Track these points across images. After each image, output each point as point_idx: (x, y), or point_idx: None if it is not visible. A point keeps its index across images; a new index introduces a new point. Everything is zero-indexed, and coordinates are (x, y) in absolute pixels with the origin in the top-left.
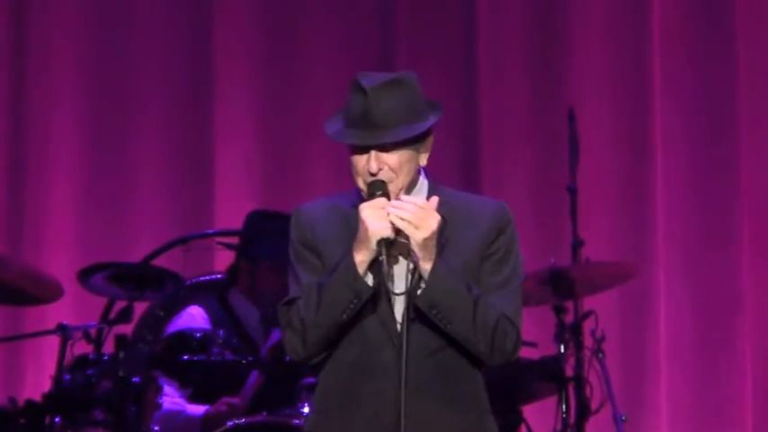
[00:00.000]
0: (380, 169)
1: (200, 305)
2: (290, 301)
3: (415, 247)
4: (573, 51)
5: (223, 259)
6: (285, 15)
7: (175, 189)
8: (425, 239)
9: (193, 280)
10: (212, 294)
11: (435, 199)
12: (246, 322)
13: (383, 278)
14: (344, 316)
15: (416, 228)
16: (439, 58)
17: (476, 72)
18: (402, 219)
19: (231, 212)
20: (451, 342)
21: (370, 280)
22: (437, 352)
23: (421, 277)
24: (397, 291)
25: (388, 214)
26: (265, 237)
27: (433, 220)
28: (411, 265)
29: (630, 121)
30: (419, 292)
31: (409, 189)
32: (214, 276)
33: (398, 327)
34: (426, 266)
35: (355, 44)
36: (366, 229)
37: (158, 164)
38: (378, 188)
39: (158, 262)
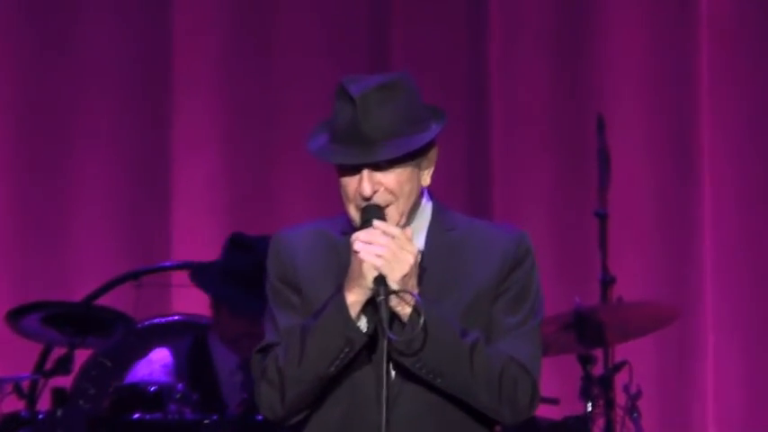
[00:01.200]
0: (375, 192)
1: (168, 347)
2: (265, 347)
3: (392, 286)
4: (603, 45)
5: (182, 297)
6: (256, 12)
7: (125, 214)
8: (405, 276)
9: (146, 323)
10: (181, 337)
11: (409, 230)
12: (222, 370)
13: (380, 323)
14: (333, 368)
15: (391, 264)
16: (440, 51)
17: (485, 70)
18: (377, 255)
19: (191, 241)
20: (455, 397)
21: (363, 325)
22: (438, 409)
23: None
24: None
25: (358, 253)
26: (225, 275)
27: (409, 254)
28: (382, 306)
29: (672, 131)
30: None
31: (411, 215)
32: (171, 318)
33: (394, 378)
34: (405, 310)
35: (340, 39)
36: (360, 264)
37: (104, 183)
38: (373, 214)
39: (104, 301)
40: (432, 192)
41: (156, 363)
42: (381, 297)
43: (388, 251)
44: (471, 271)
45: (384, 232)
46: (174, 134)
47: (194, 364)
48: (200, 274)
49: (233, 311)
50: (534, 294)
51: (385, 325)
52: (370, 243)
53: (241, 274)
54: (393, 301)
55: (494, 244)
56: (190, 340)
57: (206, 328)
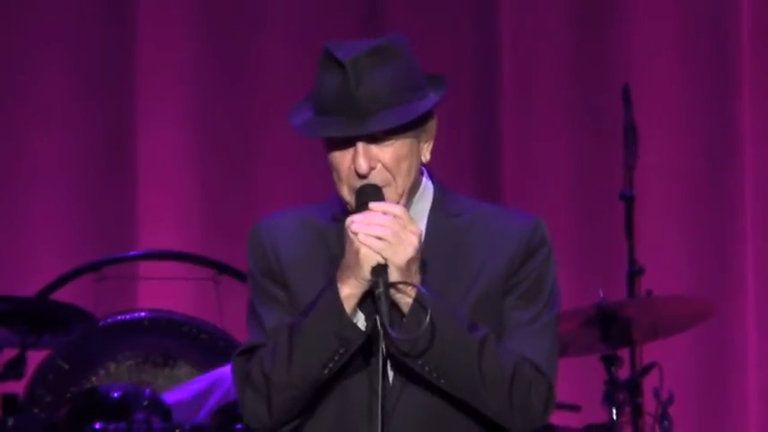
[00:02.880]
0: (372, 169)
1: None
2: (249, 349)
3: (393, 274)
4: (629, 7)
5: (149, 290)
6: None
7: (84, 198)
8: (409, 261)
9: (109, 320)
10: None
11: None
12: None
13: (381, 319)
14: (326, 372)
15: (394, 247)
16: (446, 17)
17: (496, 38)
18: (377, 237)
19: (158, 228)
20: (462, 404)
21: (361, 322)
22: (441, 420)
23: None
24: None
25: (356, 234)
26: None
27: (413, 234)
28: (382, 299)
29: (708, 102)
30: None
31: (410, 195)
32: (137, 314)
33: (391, 385)
34: (407, 299)
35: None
36: (357, 252)
37: (61, 164)
38: (370, 195)
39: (61, 295)
40: (433, 172)
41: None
42: (381, 289)
43: (390, 232)
44: (479, 263)
45: (385, 211)
46: (138, 111)
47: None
48: None
49: None
50: (550, 287)
51: (385, 321)
52: (368, 225)
53: None
54: (395, 293)
55: (505, 232)
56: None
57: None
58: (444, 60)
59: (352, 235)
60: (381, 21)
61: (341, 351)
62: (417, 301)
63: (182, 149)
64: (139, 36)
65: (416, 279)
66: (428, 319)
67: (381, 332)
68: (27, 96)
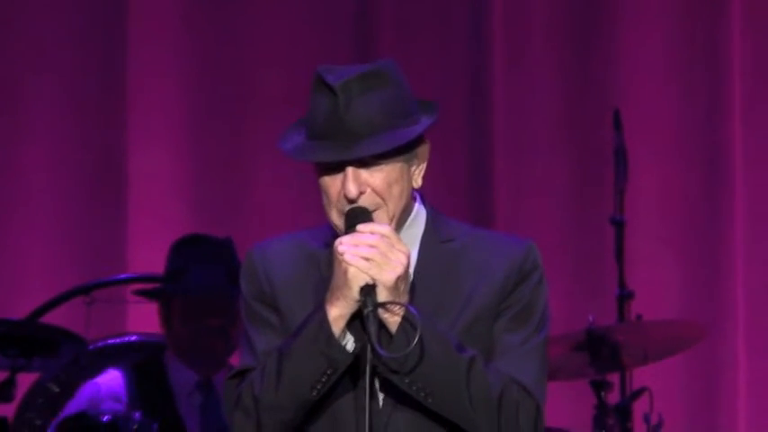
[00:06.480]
0: (361, 193)
1: (119, 368)
2: (240, 372)
3: (382, 294)
4: (619, 32)
5: (139, 315)
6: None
7: (74, 220)
8: (398, 280)
9: (99, 343)
10: (133, 358)
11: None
12: (180, 392)
13: (369, 339)
14: (314, 393)
15: (382, 266)
16: (437, 41)
17: (487, 63)
18: (364, 258)
19: (149, 251)
20: (450, 425)
21: (349, 343)
22: None
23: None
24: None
25: (343, 254)
26: (194, 265)
27: (401, 253)
28: (370, 319)
29: (699, 127)
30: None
31: (401, 221)
32: (127, 338)
33: (381, 406)
34: (396, 318)
35: (322, 22)
36: (345, 273)
37: (51, 186)
38: (359, 217)
39: (51, 318)
40: (425, 197)
41: (107, 386)
42: (369, 309)
43: (378, 252)
44: (471, 288)
45: (372, 231)
46: (128, 134)
47: (148, 386)
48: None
49: (188, 294)
50: (541, 311)
51: (374, 340)
52: (356, 246)
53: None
54: (383, 313)
55: (496, 257)
56: (142, 358)
57: (161, 347)
58: (436, 83)
59: (340, 256)
60: (373, 42)
61: (329, 372)
62: (406, 320)
63: (172, 173)
64: (130, 59)
65: (405, 299)
66: (417, 337)
67: (369, 352)
68: (17, 119)
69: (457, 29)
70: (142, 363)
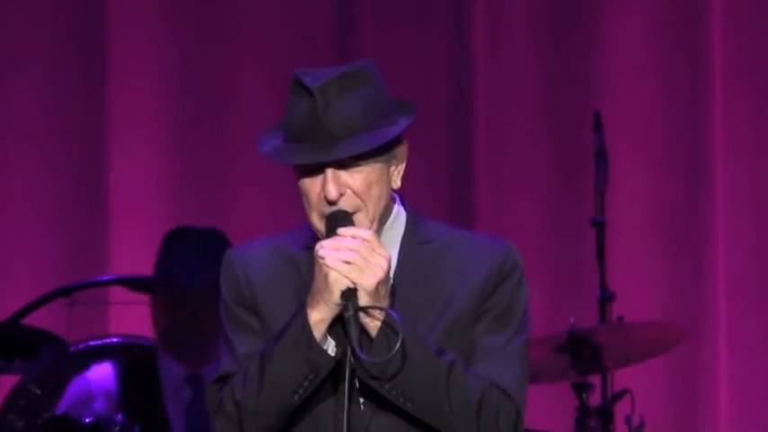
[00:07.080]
0: (341, 195)
1: (111, 363)
2: (221, 377)
3: (363, 298)
4: (600, 32)
5: (121, 317)
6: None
7: (55, 221)
8: (378, 284)
9: (81, 345)
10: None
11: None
12: (169, 389)
13: (350, 343)
14: (296, 398)
15: (363, 271)
16: (417, 39)
17: (469, 57)
18: (345, 262)
19: (131, 252)
20: (431, 430)
21: (331, 348)
22: None
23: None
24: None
25: (324, 258)
26: (182, 258)
27: (382, 258)
28: (351, 323)
29: (679, 128)
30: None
31: (382, 221)
32: (109, 340)
33: (362, 410)
34: (376, 322)
35: (302, 19)
36: (326, 277)
37: (32, 186)
38: (340, 221)
39: (32, 320)
40: (404, 198)
41: (94, 382)
42: (350, 312)
43: (358, 256)
44: (450, 290)
45: (353, 236)
46: (110, 136)
47: (137, 383)
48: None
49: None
50: (521, 312)
51: (355, 344)
52: (336, 250)
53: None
54: (364, 317)
55: (476, 258)
56: (133, 357)
57: (145, 349)
58: (417, 80)
59: (321, 260)
60: (354, 41)
61: (310, 377)
62: (387, 324)
63: (154, 174)
64: (111, 60)
65: (386, 303)
66: (399, 342)
67: (349, 356)
68: None
69: (438, 27)
70: (133, 359)
